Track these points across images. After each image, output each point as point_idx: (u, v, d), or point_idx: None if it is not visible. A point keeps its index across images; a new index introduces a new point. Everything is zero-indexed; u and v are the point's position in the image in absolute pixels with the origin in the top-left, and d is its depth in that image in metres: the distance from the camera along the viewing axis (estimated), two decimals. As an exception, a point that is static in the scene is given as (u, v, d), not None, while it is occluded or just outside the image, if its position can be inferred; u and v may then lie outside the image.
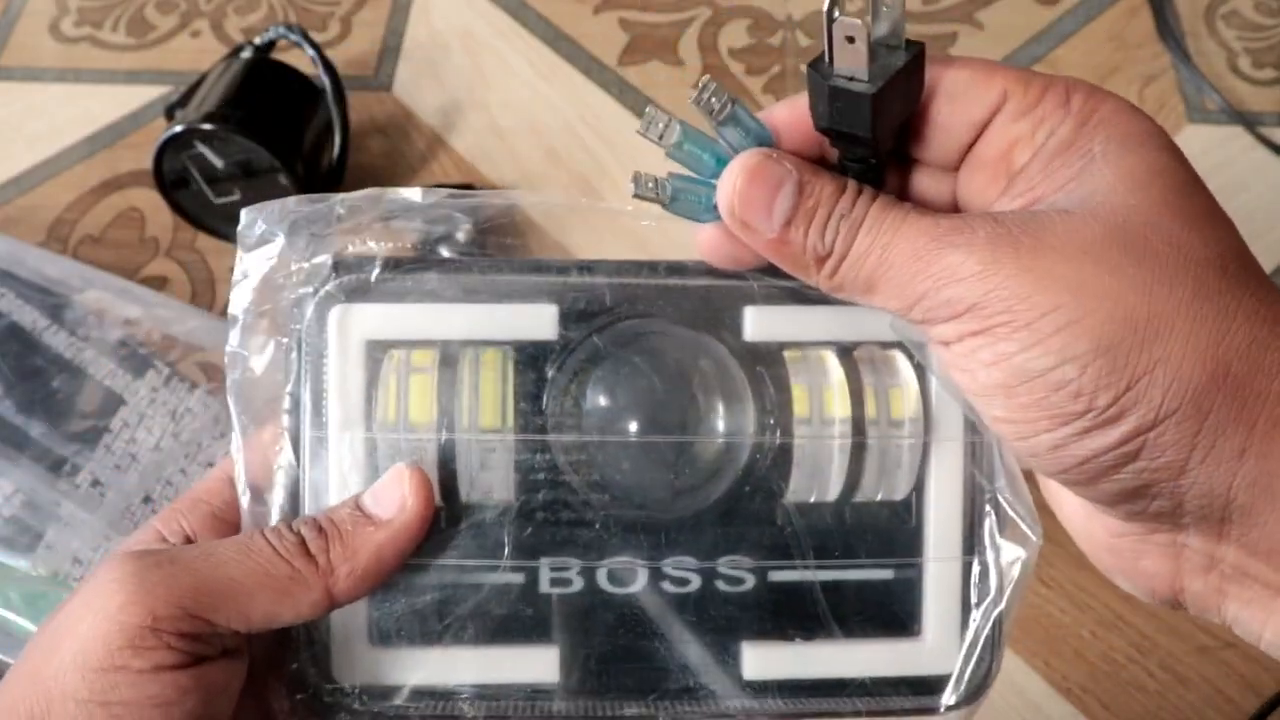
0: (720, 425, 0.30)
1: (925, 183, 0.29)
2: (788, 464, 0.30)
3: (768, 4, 0.76)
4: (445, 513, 0.30)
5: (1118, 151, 0.26)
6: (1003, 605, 0.30)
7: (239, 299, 0.31)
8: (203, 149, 0.62)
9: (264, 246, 0.31)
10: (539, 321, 0.31)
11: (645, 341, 0.30)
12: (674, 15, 0.77)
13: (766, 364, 0.30)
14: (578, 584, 0.30)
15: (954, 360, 0.26)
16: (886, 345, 0.31)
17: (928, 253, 0.26)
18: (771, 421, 0.30)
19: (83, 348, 0.60)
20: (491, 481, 0.30)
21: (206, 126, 0.61)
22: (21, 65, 0.76)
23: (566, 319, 0.31)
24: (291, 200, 0.32)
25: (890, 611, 0.31)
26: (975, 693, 0.31)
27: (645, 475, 0.30)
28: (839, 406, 0.30)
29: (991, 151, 0.27)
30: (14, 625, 0.52)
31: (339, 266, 0.31)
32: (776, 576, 0.30)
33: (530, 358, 0.31)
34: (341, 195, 0.32)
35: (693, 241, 0.30)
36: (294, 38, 0.65)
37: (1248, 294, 0.24)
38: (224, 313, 0.63)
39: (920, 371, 0.31)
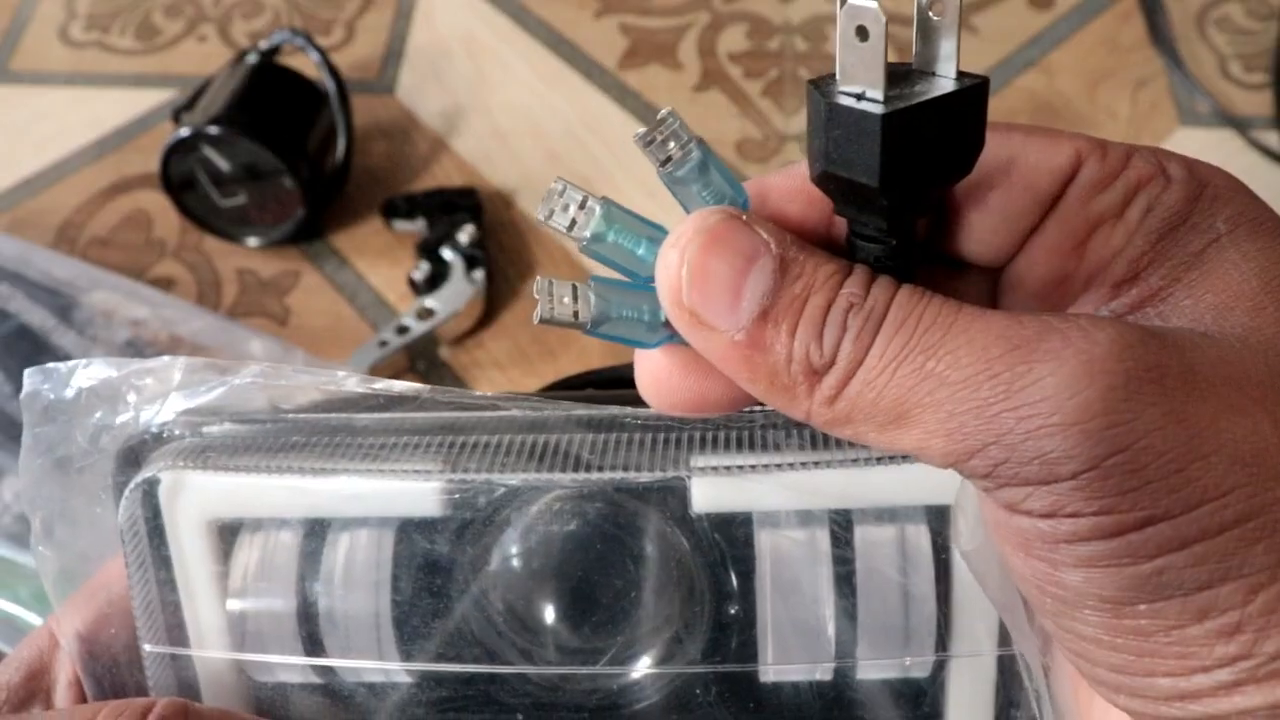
0: (656, 644, 0.24)
1: (952, 289, 0.20)
2: (759, 659, 0.23)
3: (766, 9, 0.77)
4: (336, 702, 0.26)
5: (1252, 241, 0.18)
6: None
7: (35, 490, 0.26)
8: (209, 152, 0.63)
9: (53, 423, 0.26)
10: (420, 496, 0.24)
11: (555, 524, 0.24)
12: (673, 20, 0.78)
13: (729, 542, 0.23)
14: None
15: (1025, 541, 0.17)
16: (884, 514, 0.23)
17: (1007, 368, 0.16)
18: (736, 608, 0.23)
19: (91, 348, 0.61)
20: (389, 670, 0.25)
21: (213, 130, 0.62)
22: (31, 70, 0.77)
23: (453, 494, 0.24)
24: (82, 363, 0.26)
25: None
26: None
27: (567, 683, 0.24)
28: (822, 606, 0.23)
29: (1066, 236, 0.19)
30: (22, 621, 0.53)
31: (162, 438, 0.26)
32: None
33: (412, 539, 0.25)
34: (139, 362, 0.26)
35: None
36: (299, 42, 0.66)
37: None
38: (230, 313, 0.64)
39: (941, 561, 0.23)
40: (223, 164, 0.63)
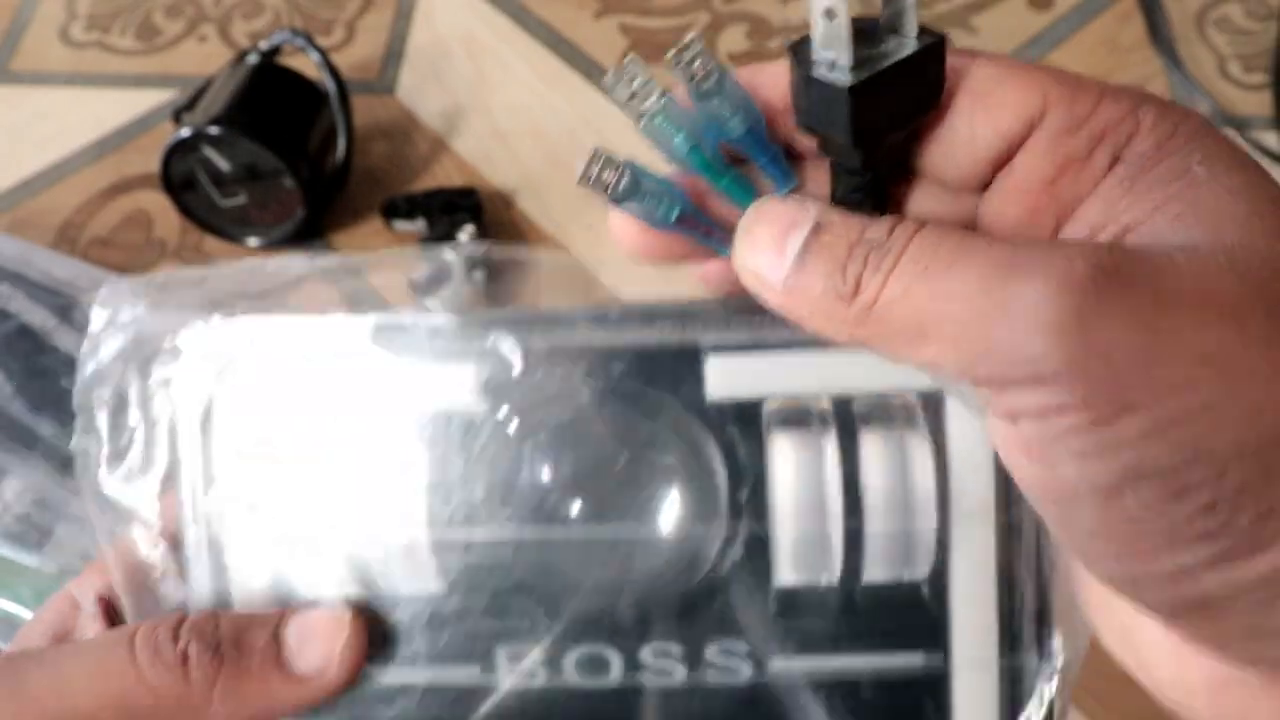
0: (681, 507, 0.25)
1: (933, 205, 0.24)
2: (772, 545, 0.25)
3: (766, 9, 0.77)
4: (376, 615, 0.26)
5: (1228, 175, 0.20)
6: (1042, 713, 0.25)
7: (91, 383, 0.27)
8: (209, 152, 0.63)
9: (121, 325, 0.28)
10: (458, 391, 0.26)
11: (584, 411, 0.26)
12: (673, 20, 0.78)
13: (740, 424, 0.25)
14: (541, 675, 0.25)
15: (1028, 444, 0.19)
16: (888, 395, 0.25)
17: (1000, 286, 0.19)
18: (748, 493, 0.25)
19: (91, 348, 0.61)
20: (423, 575, 0.26)
21: (213, 130, 0.62)
22: (31, 70, 0.78)
23: (489, 387, 0.26)
24: (159, 275, 0.28)
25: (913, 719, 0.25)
26: None
27: (594, 571, 0.25)
28: (832, 473, 0.25)
29: (1033, 176, 0.21)
30: (21, 620, 0.53)
31: (219, 337, 0.27)
32: (776, 667, 0.25)
33: (450, 434, 0.26)
34: (209, 270, 0.28)
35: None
36: (299, 43, 0.66)
37: None
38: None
39: (936, 427, 0.25)
40: (223, 164, 0.63)
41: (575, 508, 0.25)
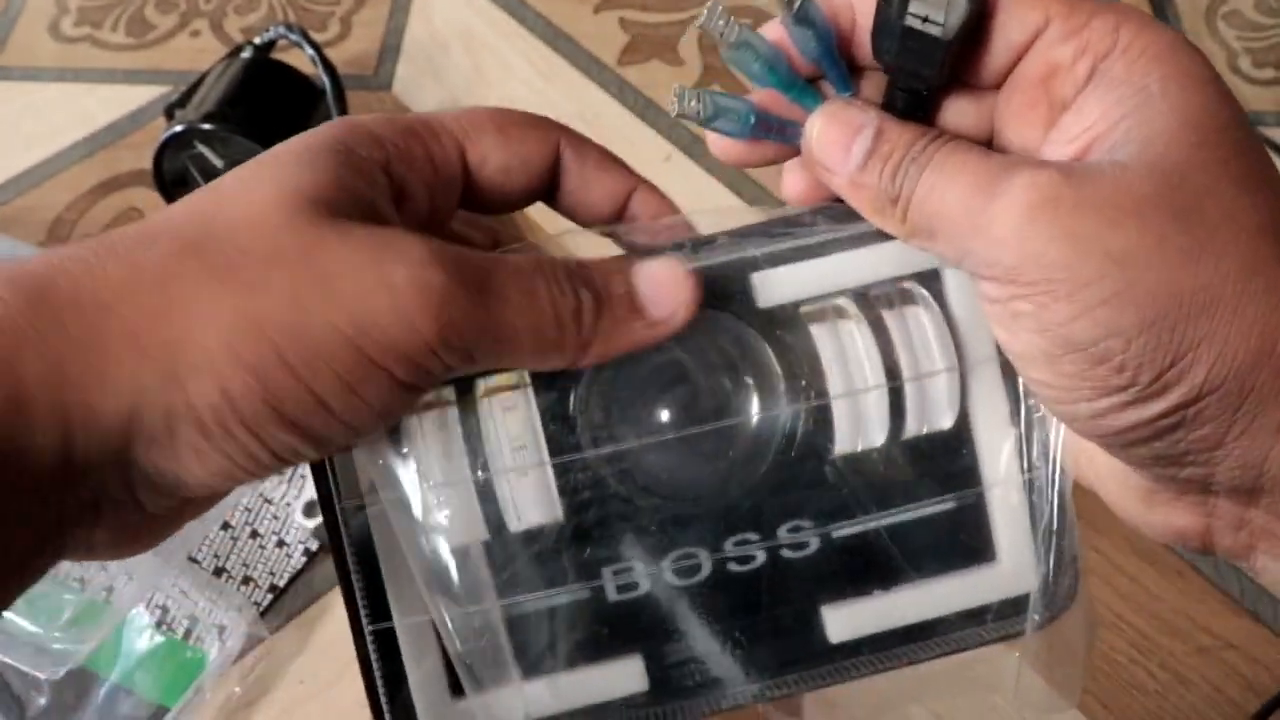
0: (752, 400, 0.29)
1: (963, 104, 0.28)
2: (827, 421, 0.29)
3: (768, 3, 0.76)
4: (499, 549, 0.29)
5: (1179, 93, 0.24)
6: (1069, 510, 0.30)
7: None
8: (202, 149, 0.62)
9: None
10: None
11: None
12: (674, 15, 0.77)
13: (786, 327, 0.29)
14: (644, 585, 0.29)
15: (998, 319, 0.26)
16: (900, 279, 0.30)
17: (974, 201, 0.25)
18: (803, 383, 0.29)
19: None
20: (538, 508, 0.29)
21: (206, 126, 0.61)
22: (21, 65, 0.76)
23: None
24: None
25: (962, 543, 0.30)
26: (1064, 601, 0.30)
27: (689, 469, 0.30)
28: (866, 352, 0.29)
29: (1031, 74, 0.27)
30: (14, 625, 0.52)
31: None
32: (841, 533, 0.30)
33: (546, 375, 0.29)
34: None
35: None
36: (294, 37, 0.65)
37: None
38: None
39: (940, 299, 0.30)
40: (216, 161, 0.62)
41: (666, 419, 0.29)
